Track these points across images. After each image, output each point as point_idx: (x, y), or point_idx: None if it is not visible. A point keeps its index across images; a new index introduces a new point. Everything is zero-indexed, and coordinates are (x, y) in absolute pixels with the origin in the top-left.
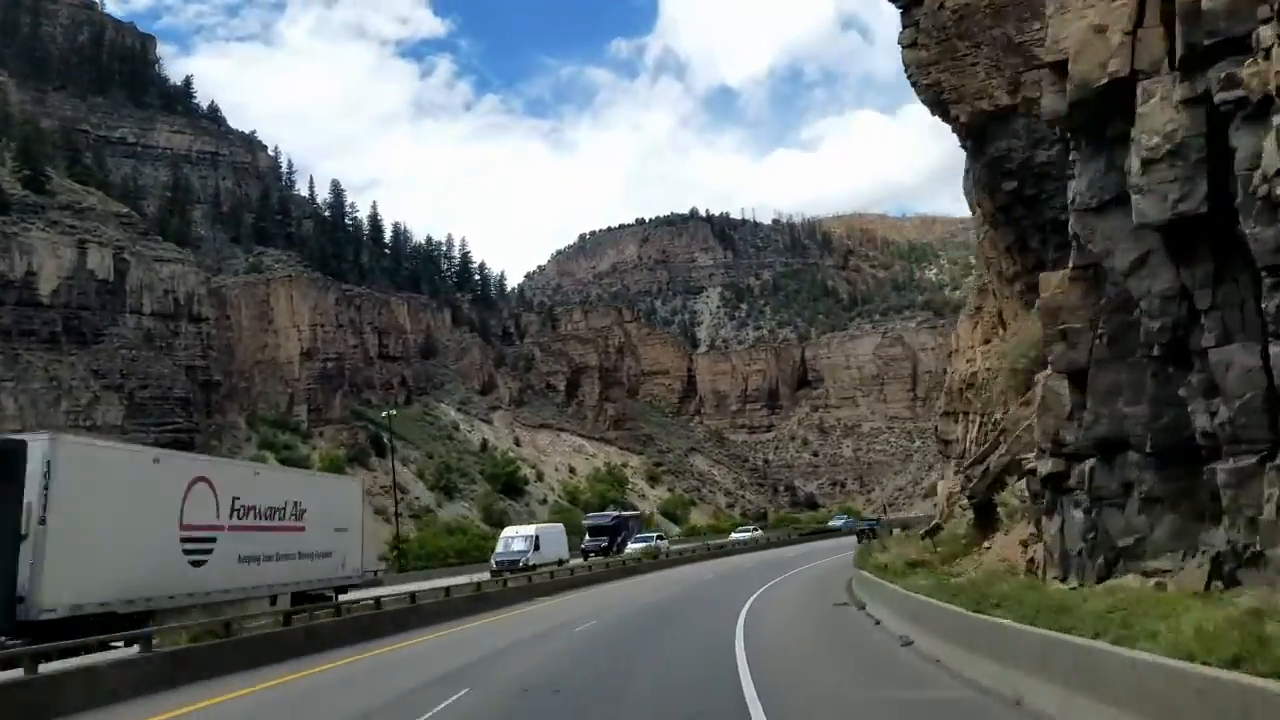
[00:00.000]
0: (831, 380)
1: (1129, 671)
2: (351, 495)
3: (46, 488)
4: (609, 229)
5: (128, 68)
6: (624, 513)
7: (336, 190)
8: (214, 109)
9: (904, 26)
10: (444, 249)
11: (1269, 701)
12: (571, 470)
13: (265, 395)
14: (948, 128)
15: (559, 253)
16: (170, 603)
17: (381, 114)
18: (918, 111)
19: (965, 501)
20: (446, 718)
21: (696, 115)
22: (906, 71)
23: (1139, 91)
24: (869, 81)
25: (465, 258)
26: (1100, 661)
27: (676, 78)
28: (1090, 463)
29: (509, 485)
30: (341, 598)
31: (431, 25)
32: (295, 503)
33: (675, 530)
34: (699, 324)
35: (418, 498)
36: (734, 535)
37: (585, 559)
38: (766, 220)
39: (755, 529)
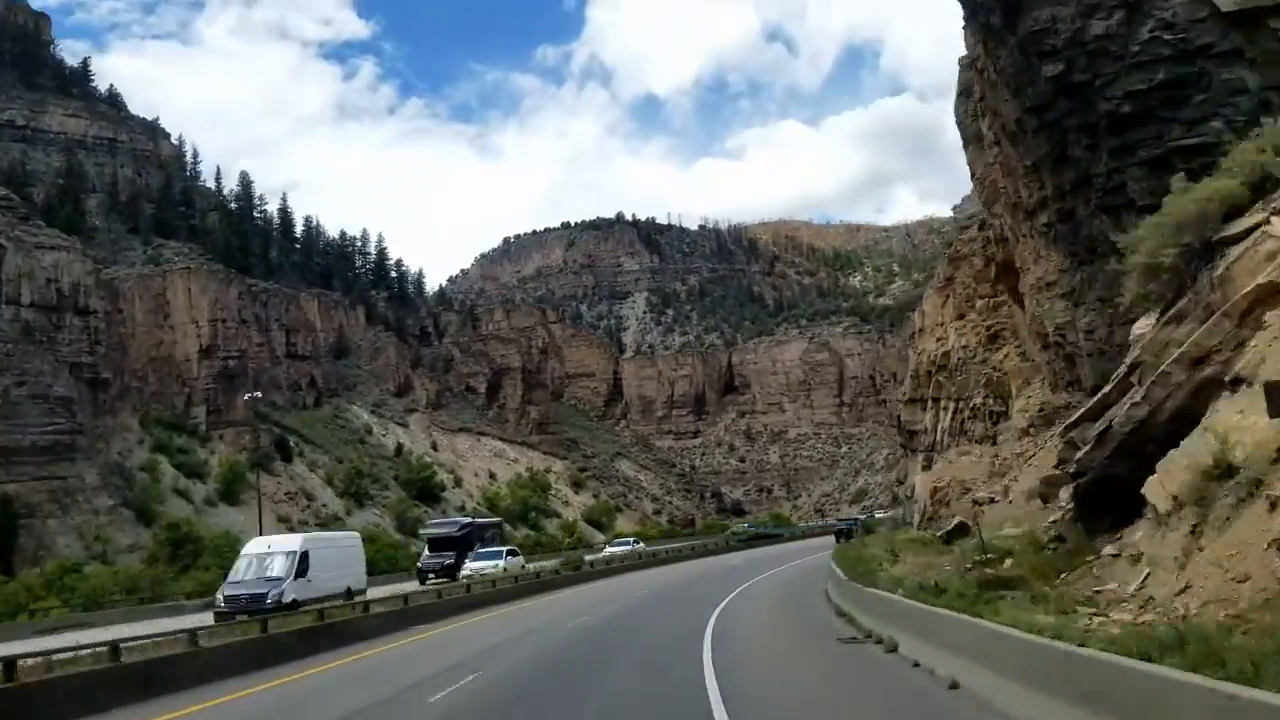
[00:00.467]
0: (758, 386)
1: None
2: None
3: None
4: (534, 232)
5: (19, 48)
6: (478, 520)
7: (245, 182)
8: (114, 93)
9: None
10: (359, 245)
11: None
12: (492, 476)
13: (160, 395)
14: (872, 138)
15: (482, 256)
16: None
17: (302, 116)
18: (840, 123)
19: (1040, 488)
20: None
21: (623, 123)
22: None
23: None
24: (793, 93)
25: (381, 254)
26: None
27: (603, 85)
28: None
29: (424, 491)
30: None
31: (355, 27)
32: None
33: (600, 538)
34: (625, 329)
35: (325, 505)
36: (609, 550)
37: (422, 583)
38: (693, 226)
39: (635, 542)
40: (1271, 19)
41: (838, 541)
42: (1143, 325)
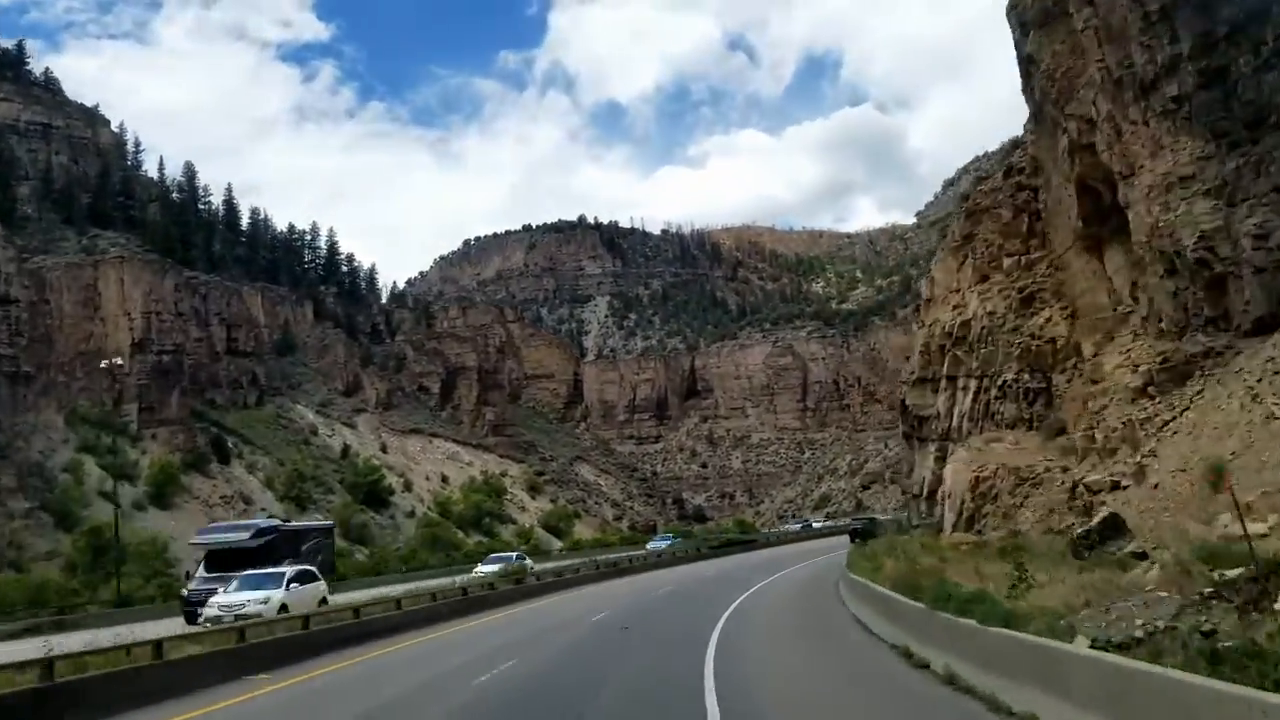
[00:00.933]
0: (721, 390)
1: None
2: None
3: None
4: (495, 235)
5: None
6: (289, 524)
7: (190, 173)
8: (50, 77)
9: None
10: (308, 239)
11: None
12: (444, 479)
13: (89, 391)
14: (833, 147)
15: (442, 258)
16: None
17: (261, 118)
18: (801, 132)
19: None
20: None
21: (585, 130)
22: None
23: None
24: (754, 101)
25: (332, 248)
26: None
27: (565, 92)
28: None
29: (372, 495)
30: None
31: (315, 29)
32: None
33: (558, 545)
34: (587, 333)
35: (264, 509)
36: (480, 569)
37: (189, 622)
38: (656, 230)
39: (520, 556)
40: None
41: (852, 542)
42: None
